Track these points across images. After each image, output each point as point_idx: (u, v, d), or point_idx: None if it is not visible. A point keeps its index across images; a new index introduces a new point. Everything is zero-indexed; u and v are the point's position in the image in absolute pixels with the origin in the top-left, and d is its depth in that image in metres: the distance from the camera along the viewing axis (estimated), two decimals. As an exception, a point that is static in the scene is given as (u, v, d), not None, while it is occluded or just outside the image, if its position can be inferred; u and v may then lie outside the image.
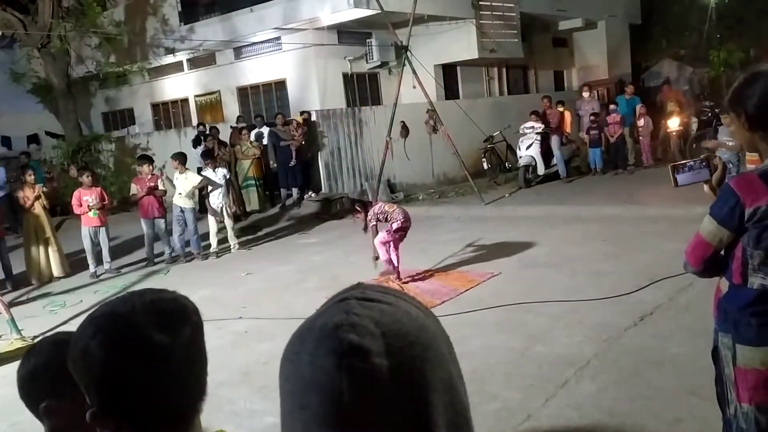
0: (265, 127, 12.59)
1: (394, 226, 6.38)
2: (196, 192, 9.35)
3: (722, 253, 2.12)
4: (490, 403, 3.81)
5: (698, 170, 2.24)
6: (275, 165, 12.26)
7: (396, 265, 6.63)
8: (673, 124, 13.24)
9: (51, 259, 8.86)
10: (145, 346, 0.87)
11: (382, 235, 6.51)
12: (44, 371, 1.33)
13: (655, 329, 4.73)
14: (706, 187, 2.24)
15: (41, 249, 8.78)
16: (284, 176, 12.20)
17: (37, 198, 8.75)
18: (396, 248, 6.57)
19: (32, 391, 1.34)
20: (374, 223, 6.60)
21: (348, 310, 0.64)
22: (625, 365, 4.17)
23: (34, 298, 8.01)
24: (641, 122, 13.12)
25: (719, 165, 2.22)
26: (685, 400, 3.56)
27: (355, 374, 0.60)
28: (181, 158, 9.24)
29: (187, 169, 9.30)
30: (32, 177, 8.93)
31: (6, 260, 8.59)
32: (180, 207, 9.11)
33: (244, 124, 12.87)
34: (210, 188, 9.31)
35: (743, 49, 20.41)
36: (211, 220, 9.38)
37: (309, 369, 0.62)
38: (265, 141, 12.34)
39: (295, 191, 12.27)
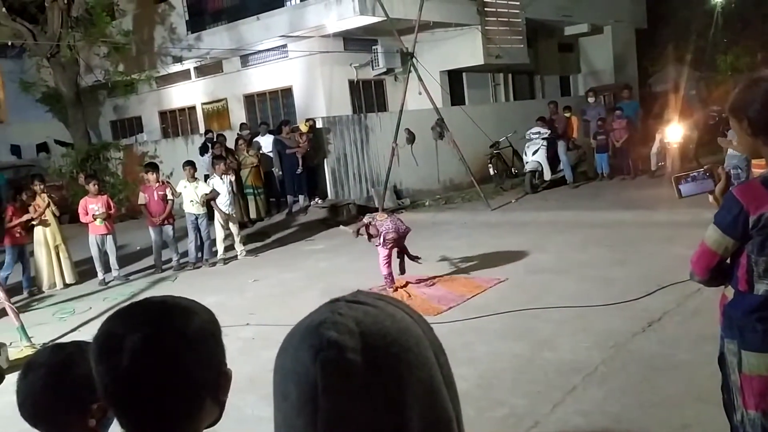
0: (268, 135, 12.64)
1: (388, 237, 6.29)
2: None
3: (728, 261, 2.12)
4: (497, 409, 3.80)
5: (702, 180, 2.23)
6: (280, 173, 12.30)
7: (387, 273, 6.48)
8: (674, 135, 11.41)
9: (62, 266, 8.93)
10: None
11: (380, 250, 6.40)
12: (52, 387, 1.31)
13: (663, 335, 4.71)
14: (710, 197, 2.24)
15: (52, 257, 8.84)
16: (290, 183, 12.24)
17: (47, 206, 8.82)
18: (388, 258, 6.46)
19: (41, 406, 1.32)
20: (364, 224, 6.52)
21: (334, 310, 0.69)
22: (633, 371, 4.16)
23: (44, 306, 8.06)
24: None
25: (722, 174, 2.21)
26: (692, 406, 3.55)
27: (328, 367, 0.64)
28: (193, 166, 9.44)
29: (196, 178, 9.40)
30: (41, 186, 8.99)
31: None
32: (195, 215, 9.21)
33: (247, 131, 12.92)
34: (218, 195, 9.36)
35: (750, 53, 20.32)
36: (218, 227, 9.43)
37: (291, 361, 0.67)
38: (263, 150, 12.38)
39: (301, 198, 12.30)
